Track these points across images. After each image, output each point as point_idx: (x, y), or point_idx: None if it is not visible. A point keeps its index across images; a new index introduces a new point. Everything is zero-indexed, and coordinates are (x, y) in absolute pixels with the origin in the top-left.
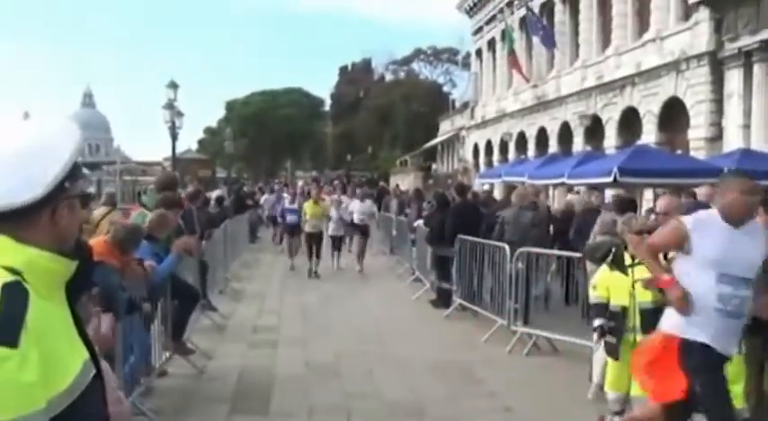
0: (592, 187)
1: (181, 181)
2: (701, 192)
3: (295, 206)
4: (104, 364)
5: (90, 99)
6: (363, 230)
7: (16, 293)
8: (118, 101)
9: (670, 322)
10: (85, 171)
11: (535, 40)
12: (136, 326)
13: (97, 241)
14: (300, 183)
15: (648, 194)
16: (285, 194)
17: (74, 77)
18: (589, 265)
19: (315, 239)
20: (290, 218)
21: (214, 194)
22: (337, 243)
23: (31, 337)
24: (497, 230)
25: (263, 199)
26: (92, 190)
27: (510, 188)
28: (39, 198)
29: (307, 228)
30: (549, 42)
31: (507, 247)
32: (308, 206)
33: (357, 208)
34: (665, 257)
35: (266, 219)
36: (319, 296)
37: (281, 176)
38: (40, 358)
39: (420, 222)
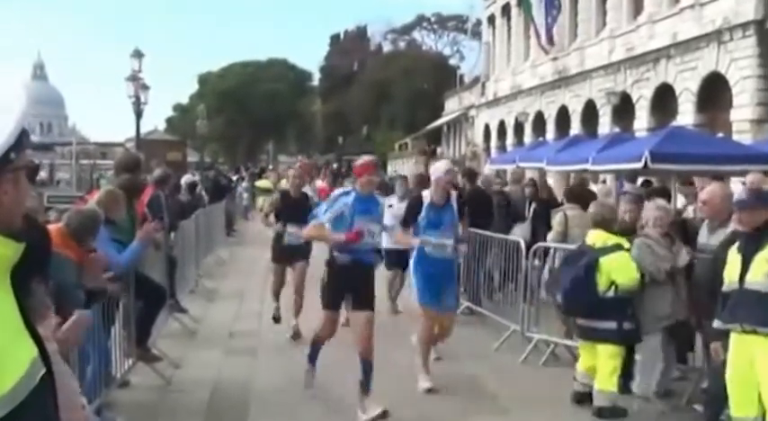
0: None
1: (146, 165)
2: (750, 179)
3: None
4: (65, 367)
5: (41, 71)
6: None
7: None
8: (73, 73)
9: None
10: (33, 138)
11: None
12: (94, 328)
13: (51, 229)
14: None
15: None
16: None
17: (22, 46)
18: None
19: None
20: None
21: (185, 179)
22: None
23: None
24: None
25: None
26: (43, 174)
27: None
28: None
29: None
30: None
31: (522, 242)
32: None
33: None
34: None
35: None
36: (307, 298)
37: (261, 160)
38: None
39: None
